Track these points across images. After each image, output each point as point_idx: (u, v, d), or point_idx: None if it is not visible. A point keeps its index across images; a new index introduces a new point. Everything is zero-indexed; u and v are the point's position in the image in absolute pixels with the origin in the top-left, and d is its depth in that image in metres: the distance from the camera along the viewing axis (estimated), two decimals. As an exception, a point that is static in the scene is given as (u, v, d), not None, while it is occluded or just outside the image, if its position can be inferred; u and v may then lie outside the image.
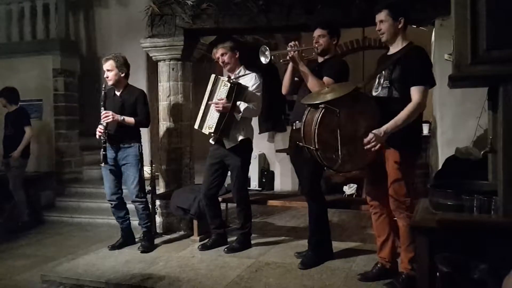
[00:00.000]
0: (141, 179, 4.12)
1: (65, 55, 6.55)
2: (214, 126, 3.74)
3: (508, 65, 1.93)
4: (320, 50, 3.37)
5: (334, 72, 3.29)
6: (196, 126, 3.98)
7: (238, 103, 3.73)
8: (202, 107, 3.90)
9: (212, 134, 3.82)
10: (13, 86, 5.74)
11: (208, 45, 4.97)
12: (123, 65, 4.03)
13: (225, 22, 4.35)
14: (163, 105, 4.73)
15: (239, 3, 4.25)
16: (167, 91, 4.68)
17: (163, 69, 4.72)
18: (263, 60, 3.20)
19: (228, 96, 3.69)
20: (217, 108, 3.69)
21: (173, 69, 4.68)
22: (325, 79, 3.25)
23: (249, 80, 3.86)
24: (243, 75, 3.91)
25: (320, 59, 3.43)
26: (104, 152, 3.92)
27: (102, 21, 7.35)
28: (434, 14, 3.83)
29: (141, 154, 4.10)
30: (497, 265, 1.84)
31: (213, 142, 3.96)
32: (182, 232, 4.60)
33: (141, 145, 4.13)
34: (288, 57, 3.24)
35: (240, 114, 3.75)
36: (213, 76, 3.91)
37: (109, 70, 3.98)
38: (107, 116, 3.88)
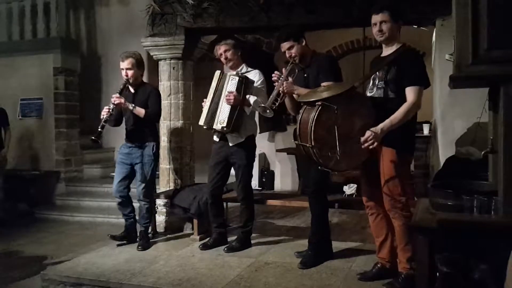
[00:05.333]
0: (152, 179, 4.16)
1: (65, 53, 6.56)
2: (226, 121, 3.68)
3: (509, 65, 1.93)
4: (298, 60, 3.36)
5: (329, 74, 3.29)
6: (201, 123, 3.86)
7: (247, 96, 3.73)
8: (208, 103, 3.83)
9: (225, 129, 3.73)
10: (14, 84, 5.74)
11: (209, 44, 4.97)
12: (141, 63, 4.08)
13: (226, 21, 4.35)
14: (163, 104, 4.70)
15: (240, 2, 4.25)
16: (167, 90, 4.68)
17: (164, 68, 4.72)
18: (269, 114, 3.24)
19: (238, 89, 3.67)
20: (229, 100, 3.64)
21: (174, 68, 4.68)
22: (325, 84, 3.23)
23: (253, 76, 3.85)
24: (246, 72, 3.90)
25: (302, 65, 3.42)
26: (100, 130, 3.82)
27: (102, 19, 7.36)
28: (434, 14, 3.82)
29: (156, 153, 4.15)
30: (497, 265, 1.84)
31: (217, 139, 3.93)
32: (182, 231, 4.60)
33: (158, 144, 4.18)
34: (281, 92, 3.24)
35: (250, 107, 3.76)
36: (218, 72, 3.88)
37: (128, 69, 3.98)
38: (118, 98, 3.85)
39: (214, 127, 3.80)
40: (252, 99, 3.74)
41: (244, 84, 3.71)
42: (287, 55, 3.36)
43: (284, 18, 4.16)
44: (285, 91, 3.23)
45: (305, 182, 3.97)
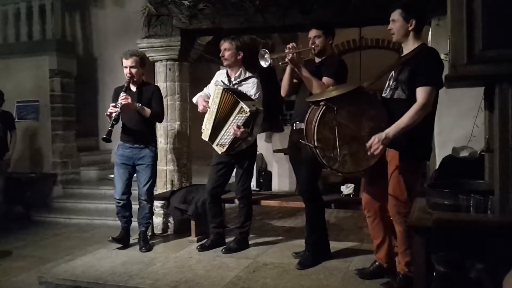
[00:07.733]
0: (154, 181, 4.20)
1: (61, 55, 6.55)
2: (227, 147, 3.75)
3: (504, 64, 1.94)
4: (317, 51, 3.36)
5: (333, 71, 3.29)
6: (205, 138, 3.87)
7: (253, 129, 3.76)
8: (211, 120, 3.77)
9: (224, 153, 3.81)
10: (9, 87, 5.73)
11: (205, 45, 4.97)
12: (144, 62, 4.08)
13: (222, 22, 4.34)
14: (160, 105, 4.71)
15: (236, 3, 4.25)
16: (164, 92, 4.66)
17: (160, 69, 4.72)
18: (263, 63, 3.10)
19: (247, 124, 3.66)
20: (236, 134, 3.64)
21: (170, 69, 4.67)
22: (325, 79, 3.24)
23: (251, 87, 3.83)
24: (244, 79, 3.88)
25: (317, 59, 3.43)
26: (111, 129, 3.78)
27: (98, 21, 7.34)
28: (430, 14, 3.83)
29: (157, 153, 4.19)
30: (494, 264, 1.85)
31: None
32: (179, 233, 4.59)
33: (156, 147, 4.22)
34: (286, 60, 3.18)
35: (252, 138, 3.81)
36: (220, 89, 3.68)
37: (132, 67, 3.96)
38: (126, 98, 3.81)
39: (213, 147, 3.86)
40: (256, 132, 3.81)
41: (254, 119, 3.69)
42: (310, 43, 3.36)
43: (279, 19, 4.17)
44: (293, 57, 3.13)
45: (297, 182, 3.99)
